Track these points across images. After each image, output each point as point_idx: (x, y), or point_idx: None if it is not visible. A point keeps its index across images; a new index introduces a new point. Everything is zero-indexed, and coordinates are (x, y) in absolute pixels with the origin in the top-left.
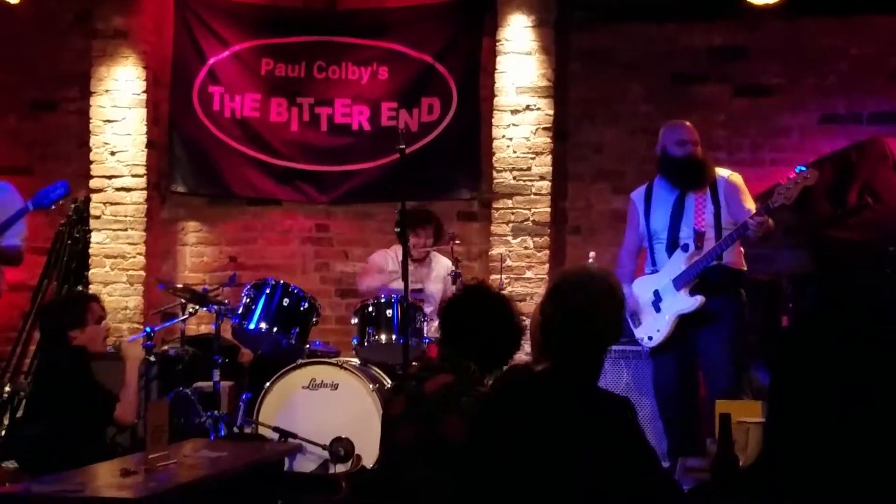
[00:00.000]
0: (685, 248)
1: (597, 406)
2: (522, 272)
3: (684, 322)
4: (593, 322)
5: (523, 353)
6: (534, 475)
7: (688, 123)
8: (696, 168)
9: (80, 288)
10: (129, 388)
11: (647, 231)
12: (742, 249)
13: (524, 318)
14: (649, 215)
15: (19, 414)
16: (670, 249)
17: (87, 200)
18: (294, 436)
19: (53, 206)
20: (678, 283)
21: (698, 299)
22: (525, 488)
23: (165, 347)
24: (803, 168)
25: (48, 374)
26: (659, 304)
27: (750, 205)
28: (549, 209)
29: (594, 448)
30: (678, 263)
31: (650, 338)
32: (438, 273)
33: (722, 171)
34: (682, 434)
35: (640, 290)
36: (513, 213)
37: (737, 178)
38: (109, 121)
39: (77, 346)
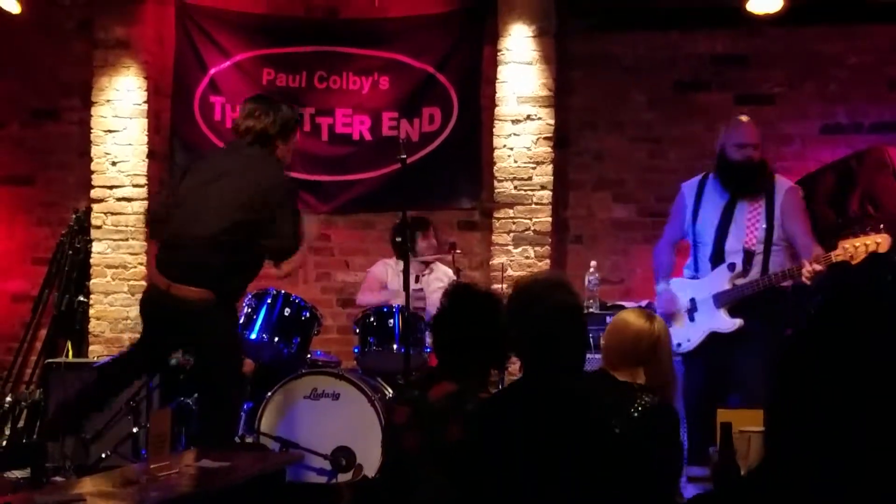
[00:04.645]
0: (731, 267)
1: (573, 406)
2: None
3: (717, 336)
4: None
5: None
6: (522, 478)
7: (747, 121)
8: (752, 175)
9: (80, 298)
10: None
11: (693, 230)
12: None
13: None
14: (697, 213)
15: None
16: (714, 260)
17: (88, 210)
18: (296, 445)
19: None
20: (718, 301)
21: (737, 322)
22: (515, 491)
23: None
24: (873, 231)
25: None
26: (694, 313)
27: (805, 225)
28: (550, 218)
29: (572, 450)
30: (721, 280)
31: (679, 344)
32: (439, 283)
33: (782, 181)
34: (698, 441)
35: (677, 292)
36: (514, 223)
37: (797, 191)
38: (110, 131)
39: None
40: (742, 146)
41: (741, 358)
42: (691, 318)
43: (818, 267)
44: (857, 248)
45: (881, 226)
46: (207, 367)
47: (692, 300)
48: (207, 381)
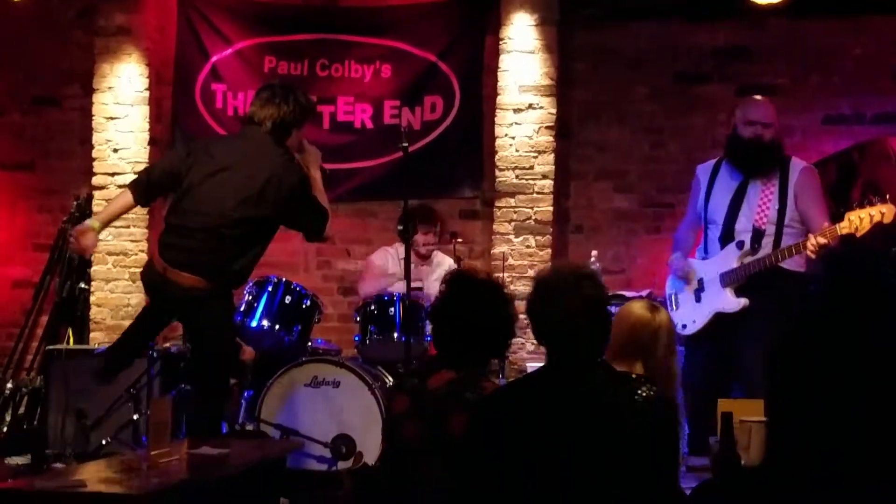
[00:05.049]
0: (739, 244)
1: (597, 403)
2: (525, 271)
3: (723, 318)
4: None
5: (530, 346)
6: (532, 473)
7: (761, 99)
8: (761, 153)
9: (82, 285)
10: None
11: (705, 211)
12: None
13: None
14: (709, 196)
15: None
16: (724, 240)
17: (90, 197)
18: (296, 433)
19: None
20: (725, 279)
21: (742, 302)
22: (524, 486)
23: (167, 345)
24: (879, 202)
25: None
26: (700, 293)
27: (821, 206)
28: (551, 208)
29: (591, 443)
30: (729, 259)
31: (684, 326)
32: (440, 272)
33: (798, 162)
34: (702, 430)
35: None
36: (515, 212)
37: (813, 171)
38: (112, 118)
39: None
40: (752, 122)
41: (746, 343)
42: (697, 299)
43: (822, 240)
44: (861, 219)
45: (887, 196)
46: (199, 354)
47: (700, 280)
48: (199, 368)
